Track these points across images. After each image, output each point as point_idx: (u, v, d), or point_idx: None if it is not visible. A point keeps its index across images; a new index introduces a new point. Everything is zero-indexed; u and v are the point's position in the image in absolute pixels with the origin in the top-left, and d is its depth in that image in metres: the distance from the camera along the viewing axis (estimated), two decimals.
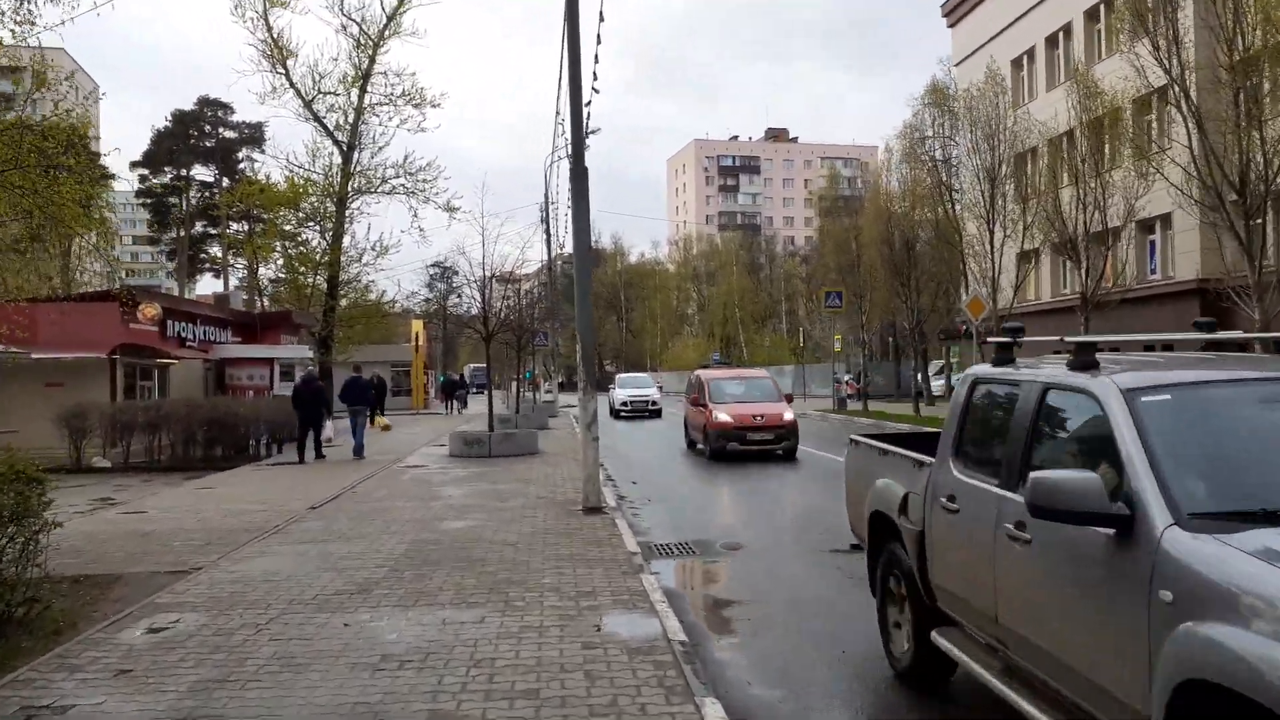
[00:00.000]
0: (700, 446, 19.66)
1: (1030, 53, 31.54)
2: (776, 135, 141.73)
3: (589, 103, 12.43)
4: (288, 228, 40.57)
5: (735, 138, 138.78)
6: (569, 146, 12.08)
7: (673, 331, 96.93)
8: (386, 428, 31.31)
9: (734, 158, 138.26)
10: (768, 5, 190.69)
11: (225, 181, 61.28)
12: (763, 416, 18.56)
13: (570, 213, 11.41)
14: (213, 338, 27.73)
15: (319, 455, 18.96)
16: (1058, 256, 27.89)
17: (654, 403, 35.52)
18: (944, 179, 25.95)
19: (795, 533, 10.89)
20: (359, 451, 19.30)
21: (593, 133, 11.37)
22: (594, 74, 12.71)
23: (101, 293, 23.61)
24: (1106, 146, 20.68)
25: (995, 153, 24.45)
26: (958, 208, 25.86)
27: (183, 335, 25.71)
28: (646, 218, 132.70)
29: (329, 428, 19.83)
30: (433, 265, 57.26)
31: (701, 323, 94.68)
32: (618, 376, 38.42)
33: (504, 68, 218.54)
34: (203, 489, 14.71)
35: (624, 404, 35.22)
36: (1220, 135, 17.39)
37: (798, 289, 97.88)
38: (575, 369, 58.16)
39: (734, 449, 18.28)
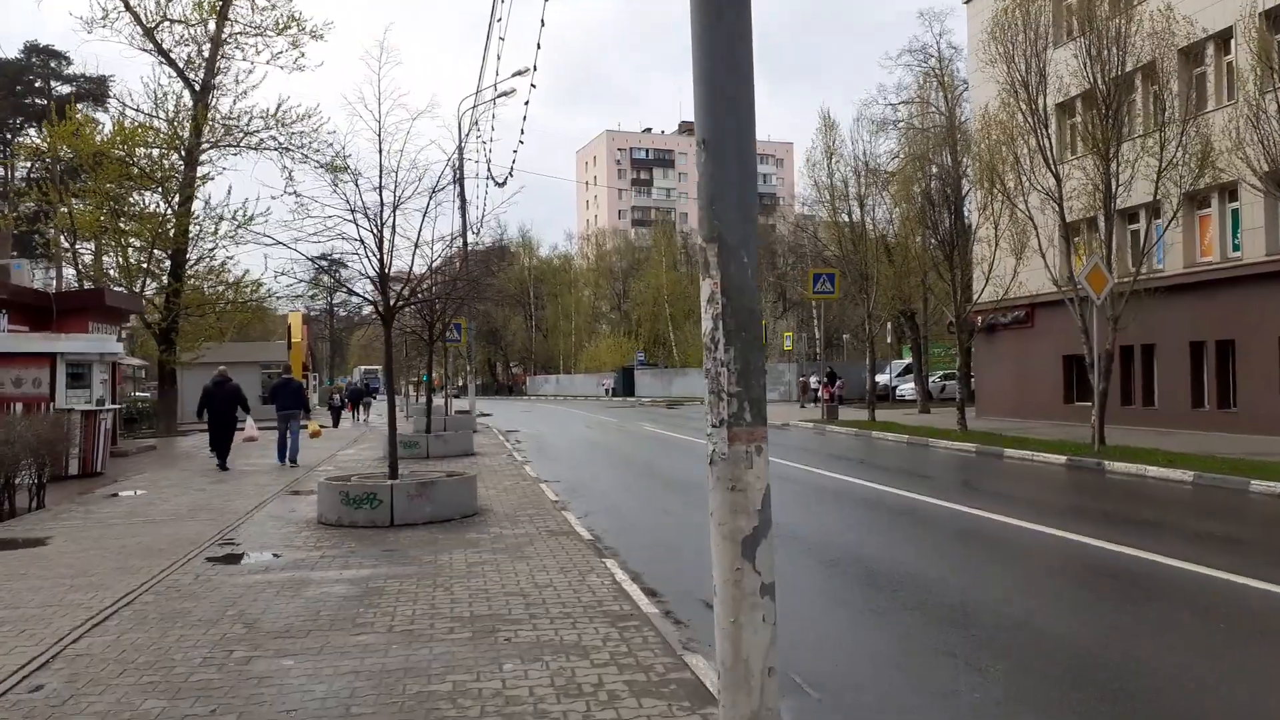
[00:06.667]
0: None
1: None
2: (692, 129, 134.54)
3: None
4: (111, 185, 30.98)
5: (648, 130, 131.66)
6: None
7: (588, 330, 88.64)
8: (316, 434, 24.47)
9: (647, 150, 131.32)
10: (682, 19, 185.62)
11: (67, 151, 50.23)
12: None
13: None
14: None
15: (222, 466, 17.37)
16: (1227, 204, 20.89)
17: None
18: (1032, 102, 18.44)
19: None
20: (294, 458, 18.20)
21: None
22: None
23: None
24: None
25: (1120, 62, 17.16)
26: (1052, 143, 18.44)
27: None
28: (559, 178, 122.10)
29: (250, 426, 19.34)
30: (319, 258, 47.69)
31: (618, 321, 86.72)
32: None
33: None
34: None
35: None
36: None
37: None
38: (473, 372, 48.32)
39: None
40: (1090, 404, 24.45)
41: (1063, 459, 16.99)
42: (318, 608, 6.85)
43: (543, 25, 11.38)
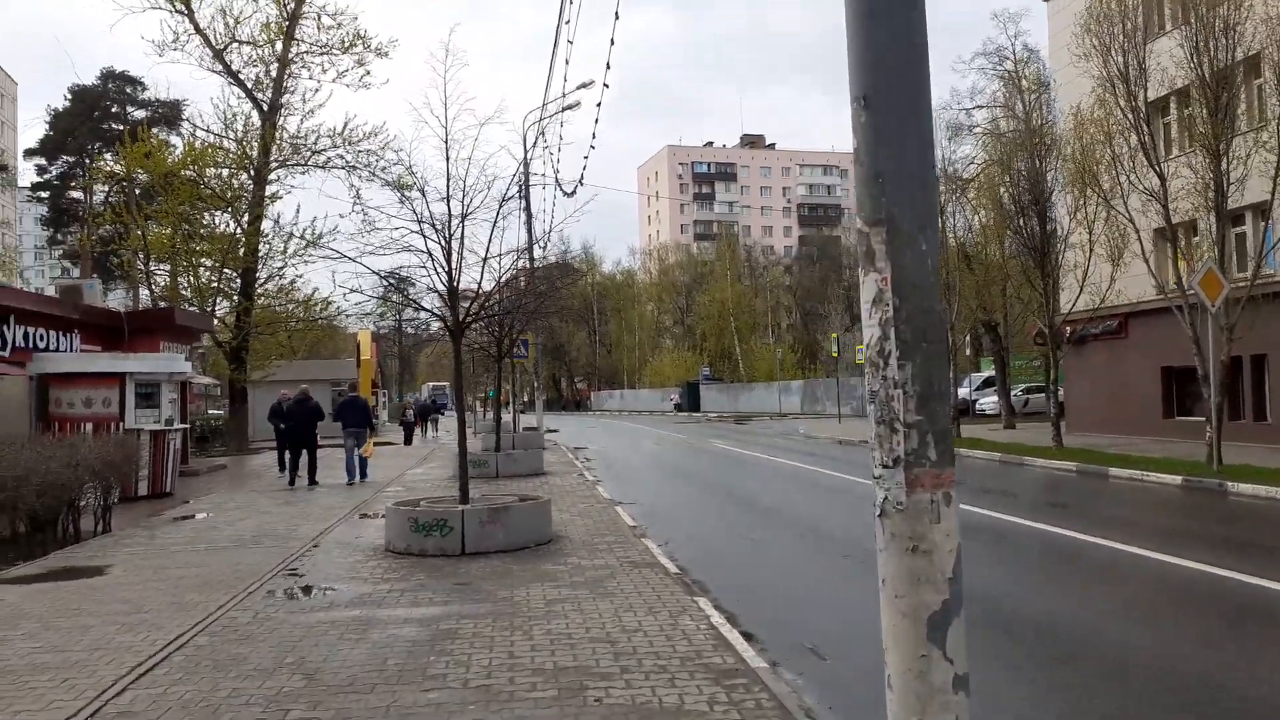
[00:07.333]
0: None
1: None
2: (753, 142, 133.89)
3: None
4: (184, 207, 31.16)
5: (710, 144, 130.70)
6: None
7: (651, 345, 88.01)
8: (369, 453, 24.55)
9: (709, 164, 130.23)
10: (744, 34, 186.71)
11: (141, 174, 50.94)
12: None
13: None
14: (43, 343, 18.39)
15: (313, 481, 18.00)
16: None
17: None
18: (1132, 97, 17.26)
19: None
20: (364, 474, 18.65)
21: None
22: None
23: None
24: None
25: (1230, 51, 15.96)
26: (1146, 140, 17.20)
27: None
28: (622, 190, 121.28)
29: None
30: (388, 275, 47.70)
31: (682, 336, 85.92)
32: None
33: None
34: None
35: None
36: None
37: (782, 300, 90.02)
38: (540, 387, 46.41)
39: None
40: (1197, 419, 22.92)
41: (1177, 479, 15.70)
42: (384, 654, 6.16)
43: (616, 18, 10.67)
